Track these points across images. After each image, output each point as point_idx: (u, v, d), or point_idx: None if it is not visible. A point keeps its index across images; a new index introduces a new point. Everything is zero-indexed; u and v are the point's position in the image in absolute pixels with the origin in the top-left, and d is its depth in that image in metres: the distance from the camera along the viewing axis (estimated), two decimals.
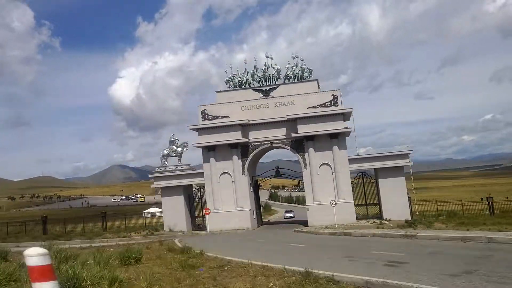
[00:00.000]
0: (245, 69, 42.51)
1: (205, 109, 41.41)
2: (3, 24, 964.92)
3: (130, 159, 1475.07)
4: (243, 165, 40.34)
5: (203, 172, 41.83)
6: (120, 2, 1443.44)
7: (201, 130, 41.30)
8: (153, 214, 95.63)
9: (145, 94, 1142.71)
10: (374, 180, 39.79)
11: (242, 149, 40.50)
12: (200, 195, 43.63)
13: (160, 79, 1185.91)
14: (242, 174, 40.24)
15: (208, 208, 37.41)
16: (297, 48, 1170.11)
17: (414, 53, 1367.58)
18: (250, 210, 40.24)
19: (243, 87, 41.89)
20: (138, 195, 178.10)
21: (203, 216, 43.54)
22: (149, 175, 46.97)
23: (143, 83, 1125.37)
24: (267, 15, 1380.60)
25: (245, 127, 40.19)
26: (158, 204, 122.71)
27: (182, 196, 41.85)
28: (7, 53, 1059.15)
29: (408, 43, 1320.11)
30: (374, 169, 39.85)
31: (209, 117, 41.04)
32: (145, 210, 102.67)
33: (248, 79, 41.97)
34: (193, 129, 42.14)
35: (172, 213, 41.05)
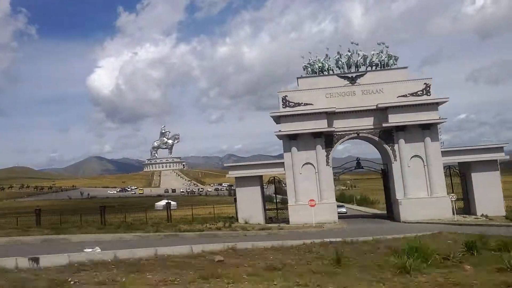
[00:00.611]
0: (327, 54, 40.32)
1: (286, 96, 38.94)
2: None
3: (107, 151, 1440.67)
4: (327, 156, 38.20)
5: (282, 162, 39.19)
6: None
7: (282, 118, 38.72)
8: (165, 206, 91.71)
9: (125, 85, 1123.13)
10: (462, 174, 38.41)
11: (326, 138, 38.33)
12: (275, 187, 41.11)
13: (140, 70, 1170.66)
14: (327, 165, 38.11)
15: (313, 200, 34.79)
16: (280, 43, 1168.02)
17: (396, 51, 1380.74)
18: (334, 203, 38.25)
19: (325, 73, 39.64)
20: (134, 187, 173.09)
21: (277, 209, 41.37)
22: (225, 165, 43.91)
23: (123, 73, 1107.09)
24: (252, 9, 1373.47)
25: (330, 115, 38.01)
26: (168, 196, 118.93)
27: (259, 186, 39.25)
28: None
29: (390, 42, 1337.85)
30: (460, 162, 38.56)
31: (290, 104, 38.59)
32: (156, 202, 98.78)
33: (330, 65, 39.77)
34: (274, 117, 39.40)
35: (248, 204, 38.32)
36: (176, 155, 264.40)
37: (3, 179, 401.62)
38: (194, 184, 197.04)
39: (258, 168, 39.86)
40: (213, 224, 36.93)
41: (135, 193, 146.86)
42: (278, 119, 39.40)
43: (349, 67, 39.45)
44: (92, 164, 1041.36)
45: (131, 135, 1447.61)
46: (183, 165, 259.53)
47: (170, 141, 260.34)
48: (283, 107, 38.74)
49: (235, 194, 42.64)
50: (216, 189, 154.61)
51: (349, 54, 39.30)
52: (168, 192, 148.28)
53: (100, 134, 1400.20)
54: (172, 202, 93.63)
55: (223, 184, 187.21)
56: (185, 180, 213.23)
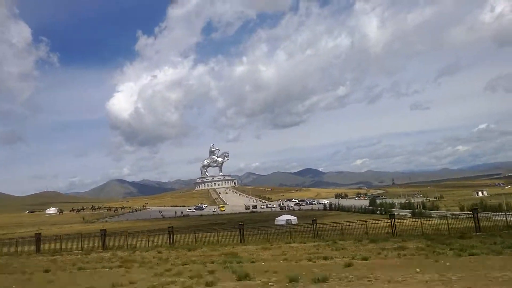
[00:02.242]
0: None
1: None
2: (1, 40, 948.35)
3: (126, 174, 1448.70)
4: None
5: None
6: (119, 16, 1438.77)
7: None
8: (288, 221, 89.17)
9: (143, 108, 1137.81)
10: None
11: None
12: None
13: (159, 92, 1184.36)
14: None
15: None
16: (296, 60, 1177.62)
17: (412, 63, 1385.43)
18: None
19: None
20: (205, 205, 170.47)
21: None
22: None
23: (141, 97, 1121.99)
24: (267, 27, 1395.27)
25: None
26: (289, 211, 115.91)
27: None
28: (4, 69, 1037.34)
29: (406, 54, 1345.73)
30: None
31: None
32: (277, 217, 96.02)
33: None
34: None
35: None
36: (226, 172, 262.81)
37: (39, 204, 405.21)
38: (260, 200, 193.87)
39: None
40: None
41: (215, 210, 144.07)
42: None
43: None
44: (114, 187, 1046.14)
45: (149, 158, 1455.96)
46: (235, 182, 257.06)
47: (219, 159, 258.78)
48: None
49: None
50: (297, 204, 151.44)
51: None
52: (249, 208, 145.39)
53: (118, 158, 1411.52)
54: (292, 217, 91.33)
55: (293, 199, 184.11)
56: (246, 196, 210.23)
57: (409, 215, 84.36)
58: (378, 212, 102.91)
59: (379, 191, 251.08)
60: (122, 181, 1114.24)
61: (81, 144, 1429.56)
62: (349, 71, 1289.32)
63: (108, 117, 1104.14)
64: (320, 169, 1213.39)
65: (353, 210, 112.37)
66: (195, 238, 36.44)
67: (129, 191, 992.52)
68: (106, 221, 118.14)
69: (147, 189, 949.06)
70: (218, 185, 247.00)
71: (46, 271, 18.05)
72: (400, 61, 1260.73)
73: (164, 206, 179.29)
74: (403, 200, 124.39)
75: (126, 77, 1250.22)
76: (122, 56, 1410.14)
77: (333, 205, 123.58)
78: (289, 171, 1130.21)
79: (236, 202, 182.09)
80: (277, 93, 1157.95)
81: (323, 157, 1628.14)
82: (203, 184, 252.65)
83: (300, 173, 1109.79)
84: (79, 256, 28.18)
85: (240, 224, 32.33)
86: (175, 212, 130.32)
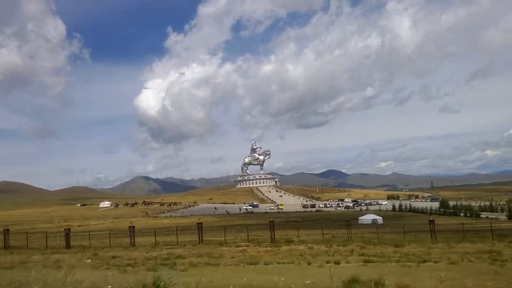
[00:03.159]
0: None
1: None
2: (37, 36, 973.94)
3: (150, 171, 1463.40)
4: None
5: None
6: (150, 13, 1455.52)
7: None
8: (374, 221, 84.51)
9: (170, 106, 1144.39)
10: None
11: None
12: None
13: (186, 90, 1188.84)
14: None
15: None
16: (325, 60, 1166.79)
17: (443, 65, 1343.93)
18: None
19: None
20: (255, 203, 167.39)
21: None
22: None
23: (169, 94, 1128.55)
24: (297, 26, 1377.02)
25: None
26: (367, 212, 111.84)
27: None
28: (38, 63, 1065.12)
29: (438, 55, 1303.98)
30: None
31: None
32: (361, 216, 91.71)
33: None
34: None
35: None
36: (268, 171, 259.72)
37: (71, 199, 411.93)
38: (309, 200, 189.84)
39: None
40: None
41: (273, 208, 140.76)
42: None
43: None
44: (139, 183, 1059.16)
45: (173, 155, 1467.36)
46: (276, 181, 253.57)
47: (261, 157, 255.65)
48: None
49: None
50: (356, 204, 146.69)
51: None
52: (307, 207, 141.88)
53: (143, 155, 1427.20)
54: (377, 217, 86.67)
55: (346, 199, 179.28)
56: (293, 196, 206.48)
57: (502, 218, 79.09)
58: (461, 214, 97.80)
59: (426, 195, 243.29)
60: (147, 178, 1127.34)
61: (108, 140, 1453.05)
62: (378, 72, 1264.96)
63: (136, 113, 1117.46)
64: (343, 171, 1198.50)
65: (428, 211, 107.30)
66: (377, 234, 33.06)
67: (153, 188, 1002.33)
68: (171, 216, 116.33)
69: (171, 186, 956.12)
70: (259, 183, 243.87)
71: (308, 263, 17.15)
72: (431, 63, 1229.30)
73: (214, 203, 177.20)
74: (481, 203, 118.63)
75: (155, 74, 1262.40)
76: (152, 53, 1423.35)
77: (403, 207, 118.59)
78: (312, 172, 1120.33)
79: (286, 201, 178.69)
80: (304, 93, 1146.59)
81: (346, 158, 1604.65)
82: (244, 182, 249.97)
83: (323, 174, 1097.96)
84: (268, 248, 26.07)
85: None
86: (240, 209, 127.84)
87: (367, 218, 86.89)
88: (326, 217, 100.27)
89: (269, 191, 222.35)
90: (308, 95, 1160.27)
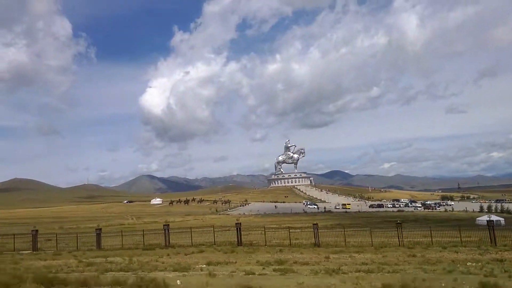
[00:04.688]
0: None
1: None
2: (44, 35, 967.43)
3: (154, 170, 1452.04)
4: None
5: None
6: (155, 12, 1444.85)
7: None
8: (498, 223, 74.80)
9: (175, 104, 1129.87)
10: None
11: None
12: None
13: (191, 89, 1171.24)
14: None
15: None
16: (330, 59, 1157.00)
17: (451, 64, 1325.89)
18: None
19: None
20: (311, 203, 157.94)
21: None
22: None
23: (173, 93, 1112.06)
24: (303, 24, 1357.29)
25: None
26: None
27: None
28: (44, 62, 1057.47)
29: (445, 54, 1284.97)
30: None
31: None
32: (478, 217, 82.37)
33: None
34: None
35: None
36: (302, 170, 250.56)
37: (85, 196, 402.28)
38: (359, 200, 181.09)
39: None
40: None
41: (338, 207, 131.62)
42: None
43: None
44: (144, 182, 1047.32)
45: (177, 154, 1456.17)
46: (310, 180, 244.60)
47: (295, 156, 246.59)
48: None
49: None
50: (425, 206, 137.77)
51: None
52: (374, 206, 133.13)
53: (147, 153, 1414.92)
54: (500, 218, 77.17)
55: (402, 200, 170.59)
56: (339, 195, 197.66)
57: None
58: None
59: (473, 195, 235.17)
60: (151, 177, 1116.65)
61: (112, 138, 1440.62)
62: (384, 71, 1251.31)
63: (140, 112, 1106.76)
64: (347, 171, 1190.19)
65: None
66: None
67: (158, 187, 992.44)
68: (244, 214, 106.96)
69: (175, 185, 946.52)
70: (294, 182, 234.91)
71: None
72: (438, 61, 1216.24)
73: (263, 202, 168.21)
74: None
75: (160, 73, 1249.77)
76: (157, 52, 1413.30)
77: (492, 208, 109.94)
78: (315, 173, 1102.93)
79: (336, 200, 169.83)
80: (309, 92, 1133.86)
81: (350, 159, 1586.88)
82: (278, 181, 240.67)
83: (327, 175, 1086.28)
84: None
85: None
86: (317, 208, 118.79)
87: (482, 219, 77.99)
88: (419, 217, 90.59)
89: (308, 190, 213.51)
90: (313, 94, 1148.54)
